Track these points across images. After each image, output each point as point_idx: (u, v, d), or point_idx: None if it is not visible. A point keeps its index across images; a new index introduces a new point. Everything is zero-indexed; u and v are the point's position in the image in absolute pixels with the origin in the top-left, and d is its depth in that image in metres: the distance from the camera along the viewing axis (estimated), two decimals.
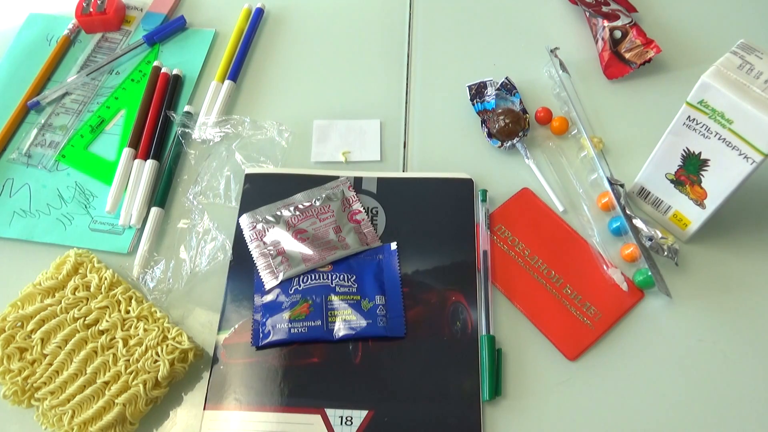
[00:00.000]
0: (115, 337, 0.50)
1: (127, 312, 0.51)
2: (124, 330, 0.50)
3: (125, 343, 0.50)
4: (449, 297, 0.53)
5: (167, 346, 0.49)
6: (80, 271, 0.53)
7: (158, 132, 0.63)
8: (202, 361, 0.52)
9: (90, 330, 0.50)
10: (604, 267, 0.54)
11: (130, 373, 0.48)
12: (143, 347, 0.49)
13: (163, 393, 0.49)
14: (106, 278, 0.53)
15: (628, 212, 0.55)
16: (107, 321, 0.51)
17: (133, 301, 0.52)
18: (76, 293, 0.52)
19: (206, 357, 0.52)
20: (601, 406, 0.49)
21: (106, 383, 0.48)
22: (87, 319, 0.51)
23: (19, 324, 0.51)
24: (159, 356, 0.49)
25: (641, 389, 0.50)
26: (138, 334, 0.50)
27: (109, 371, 0.49)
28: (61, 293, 0.52)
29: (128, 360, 0.49)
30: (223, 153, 0.62)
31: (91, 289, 0.52)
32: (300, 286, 0.53)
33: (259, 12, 0.72)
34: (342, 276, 0.53)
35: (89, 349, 0.49)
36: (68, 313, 0.51)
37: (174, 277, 0.55)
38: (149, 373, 0.48)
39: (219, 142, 0.63)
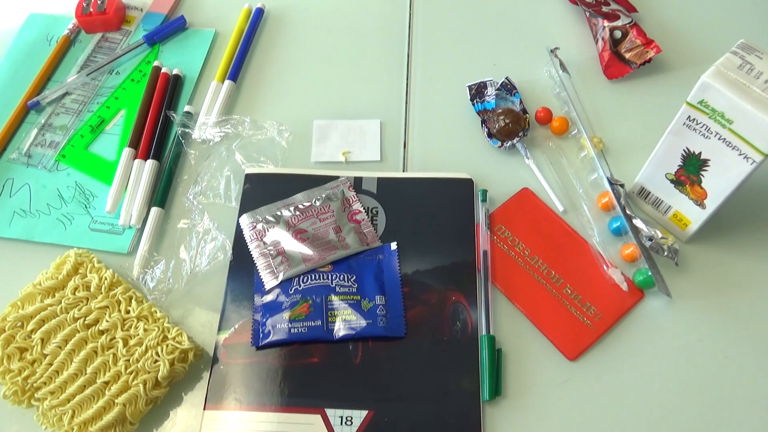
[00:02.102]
0: (115, 337, 0.50)
1: (127, 312, 0.51)
2: (124, 330, 0.50)
3: (125, 343, 0.50)
4: (449, 297, 0.53)
5: (167, 346, 0.49)
6: (80, 271, 0.53)
7: (158, 132, 0.63)
8: (202, 361, 0.52)
9: (90, 330, 0.50)
10: (604, 267, 0.54)
11: (130, 373, 0.48)
12: (143, 347, 0.49)
13: (163, 393, 0.49)
14: (106, 278, 0.53)
15: (628, 212, 0.55)
16: (107, 321, 0.51)
17: (133, 301, 0.52)
18: (76, 293, 0.52)
19: (206, 357, 0.52)
20: (601, 406, 0.49)
21: (106, 383, 0.48)
22: (87, 319, 0.51)
23: (19, 324, 0.51)
24: (159, 356, 0.49)
25: (641, 389, 0.50)
26: (138, 334, 0.50)
27: (109, 371, 0.49)
28: (61, 293, 0.52)
29: (128, 360, 0.49)
30: (223, 153, 0.62)
31: (91, 289, 0.52)
32: (300, 286, 0.53)
33: (259, 12, 0.72)
34: (342, 276, 0.53)
35: (89, 349, 0.49)
36: (68, 313, 0.51)
37: (174, 277, 0.55)
38: (149, 373, 0.48)
39: (219, 142, 0.63)
